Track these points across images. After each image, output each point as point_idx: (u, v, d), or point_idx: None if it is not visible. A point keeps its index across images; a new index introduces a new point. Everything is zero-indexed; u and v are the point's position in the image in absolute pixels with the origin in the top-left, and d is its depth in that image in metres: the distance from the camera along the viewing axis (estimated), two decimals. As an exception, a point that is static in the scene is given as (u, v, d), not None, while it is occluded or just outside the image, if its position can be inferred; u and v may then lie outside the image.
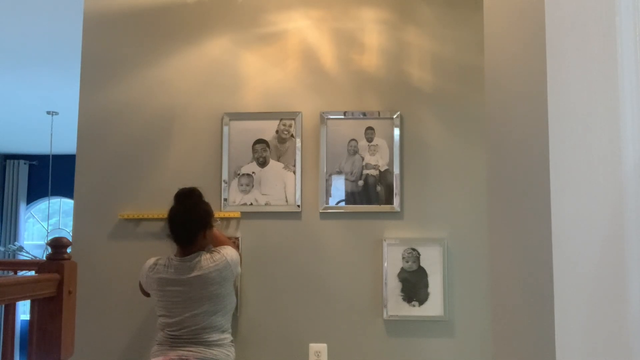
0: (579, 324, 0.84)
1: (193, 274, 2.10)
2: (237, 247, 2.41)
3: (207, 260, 2.12)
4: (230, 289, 2.17)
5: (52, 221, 7.56)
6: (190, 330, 2.09)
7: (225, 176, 2.49)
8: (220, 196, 2.49)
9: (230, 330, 2.20)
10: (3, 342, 2.02)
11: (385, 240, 2.42)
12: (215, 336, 2.11)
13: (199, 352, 2.05)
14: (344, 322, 2.43)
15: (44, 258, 2.34)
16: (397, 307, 2.39)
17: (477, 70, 2.48)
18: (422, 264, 2.41)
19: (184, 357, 2.03)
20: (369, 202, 2.45)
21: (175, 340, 2.09)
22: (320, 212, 2.47)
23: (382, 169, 2.46)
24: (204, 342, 2.09)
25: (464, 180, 2.45)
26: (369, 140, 2.48)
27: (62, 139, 6.34)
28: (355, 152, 2.48)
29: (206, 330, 2.10)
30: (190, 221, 2.17)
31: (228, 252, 2.17)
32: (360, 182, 2.46)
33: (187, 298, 2.10)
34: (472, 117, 2.47)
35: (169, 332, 2.11)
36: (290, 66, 2.55)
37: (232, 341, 2.19)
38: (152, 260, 2.20)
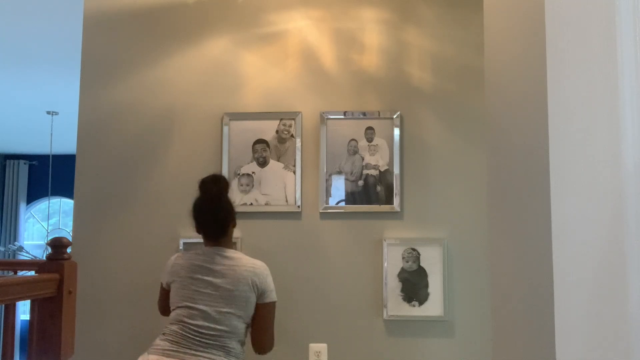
0: (579, 324, 0.84)
1: (227, 264, 1.90)
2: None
3: (245, 258, 1.95)
4: (250, 311, 1.93)
5: (52, 221, 7.56)
6: (215, 330, 1.85)
7: (225, 176, 2.49)
8: (220, 196, 2.48)
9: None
10: (3, 342, 2.02)
11: (385, 240, 2.42)
12: (236, 347, 1.89)
13: None
14: (344, 322, 2.43)
15: (44, 258, 2.34)
16: (397, 307, 2.39)
17: (477, 70, 2.48)
18: (422, 264, 2.41)
19: None
20: (369, 202, 2.45)
21: (195, 339, 1.83)
22: (320, 212, 2.47)
23: (382, 169, 2.46)
24: (224, 347, 1.85)
25: (464, 180, 2.45)
26: (369, 140, 2.48)
27: (62, 139, 6.35)
28: (355, 152, 2.48)
29: (228, 334, 1.86)
30: (220, 210, 1.96)
31: (269, 280, 1.97)
32: (360, 182, 2.46)
33: (215, 291, 1.88)
34: (472, 117, 2.47)
35: (190, 326, 1.84)
36: (290, 66, 2.55)
37: None
38: (178, 253, 2.04)
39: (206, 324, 1.85)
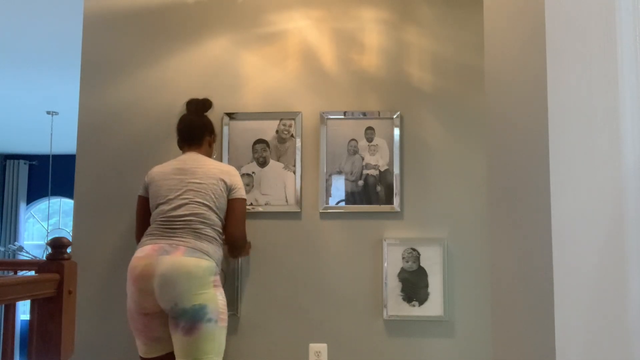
0: (579, 324, 0.84)
1: (197, 164, 2.14)
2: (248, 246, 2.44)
3: (216, 162, 2.19)
4: (222, 204, 2.13)
5: (52, 221, 7.56)
6: (185, 216, 2.04)
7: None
8: (220, 196, 2.48)
9: (221, 251, 2.12)
10: (3, 342, 2.02)
11: (385, 240, 2.42)
12: (210, 232, 2.06)
13: (189, 242, 2.00)
14: (344, 322, 2.43)
15: (44, 258, 2.34)
16: (397, 307, 2.39)
17: (477, 70, 2.48)
18: (422, 264, 2.41)
19: (174, 245, 1.99)
20: (369, 202, 2.45)
21: (168, 227, 2.04)
22: (320, 212, 2.47)
23: (382, 169, 2.46)
24: (195, 230, 2.03)
25: (464, 180, 2.46)
26: (369, 140, 2.48)
27: (62, 139, 6.35)
28: (355, 152, 2.48)
29: (198, 220, 2.05)
30: (196, 120, 2.28)
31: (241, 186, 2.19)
32: (360, 182, 2.46)
33: (185, 186, 2.09)
34: (472, 117, 2.47)
35: (163, 218, 2.06)
36: (290, 66, 2.55)
37: (220, 263, 2.12)
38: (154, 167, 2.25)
39: (176, 212, 2.05)
